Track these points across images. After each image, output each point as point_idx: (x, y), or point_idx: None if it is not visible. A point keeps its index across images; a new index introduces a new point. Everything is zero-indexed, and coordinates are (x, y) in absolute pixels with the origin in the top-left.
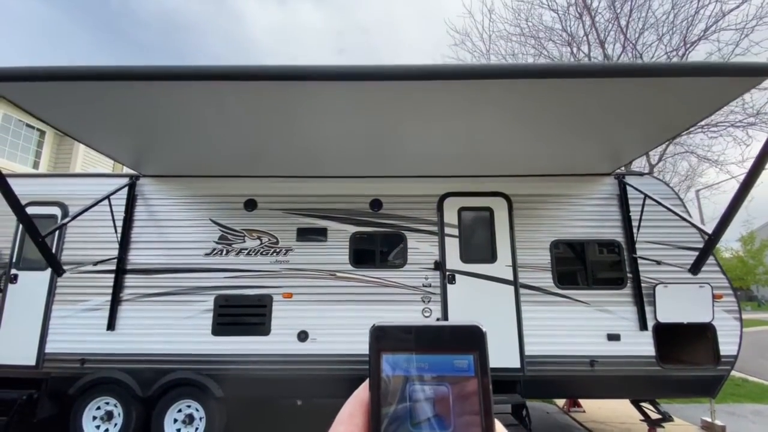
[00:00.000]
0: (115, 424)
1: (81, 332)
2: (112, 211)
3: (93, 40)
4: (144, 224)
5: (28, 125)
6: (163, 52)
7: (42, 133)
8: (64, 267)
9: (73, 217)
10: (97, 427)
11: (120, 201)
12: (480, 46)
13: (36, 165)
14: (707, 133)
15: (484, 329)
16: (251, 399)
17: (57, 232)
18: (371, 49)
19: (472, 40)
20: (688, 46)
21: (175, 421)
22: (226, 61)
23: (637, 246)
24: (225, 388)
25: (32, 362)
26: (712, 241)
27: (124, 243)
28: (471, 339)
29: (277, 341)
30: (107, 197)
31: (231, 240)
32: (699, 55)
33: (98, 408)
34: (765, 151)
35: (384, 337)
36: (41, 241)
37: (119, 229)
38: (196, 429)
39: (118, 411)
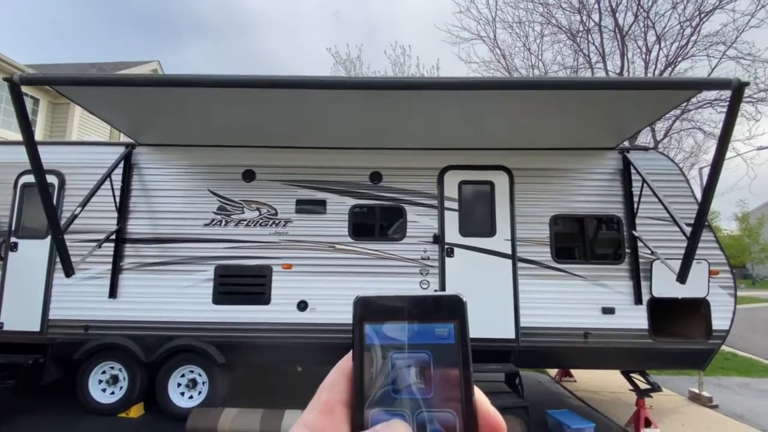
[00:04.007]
0: (121, 387)
1: (83, 299)
2: (112, 186)
3: (79, 2)
4: (141, 194)
5: None
6: (153, 17)
7: (36, 100)
8: (65, 235)
9: (83, 206)
10: (104, 390)
11: (117, 170)
12: (486, 13)
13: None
14: (716, 107)
15: (464, 299)
16: (253, 365)
17: (56, 201)
18: (368, 15)
19: (478, 7)
20: (703, 15)
21: (179, 385)
22: (216, 26)
23: (637, 221)
24: (227, 355)
25: (36, 328)
26: (691, 246)
27: (123, 212)
28: (452, 308)
29: (278, 310)
30: (108, 175)
31: (230, 211)
32: (713, 26)
33: (104, 372)
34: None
35: (367, 308)
36: (61, 239)
37: (117, 199)
38: (200, 392)
39: (123, 375)
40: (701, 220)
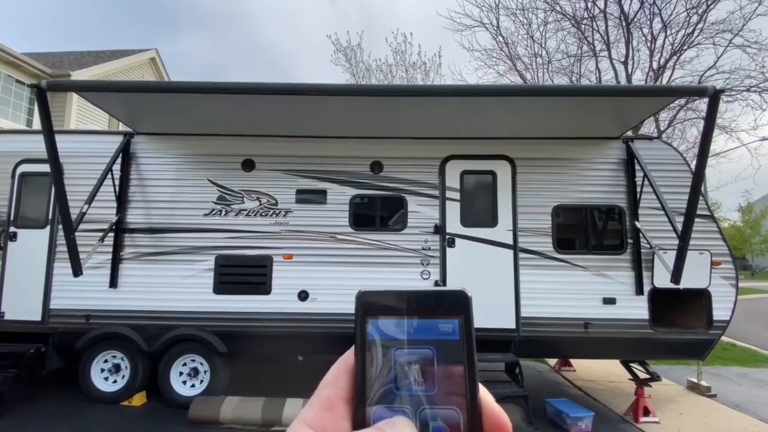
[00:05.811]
0: (123, 376)
1: (84, 289)
2: (112, 175)
3: None
4: (141, 183)
5: (18, 81)
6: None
7: (32, 89)
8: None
9: (89, 202)
10: (106, 378)
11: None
12: None
13: (29, 123)
14: (722, 97)
15: (469, 294)
16: (254, 354)
17: (51, 190)
18: (364, 1)
19: None
20: (710, 2)
21: (181, 374)
22: (215, 12)
23: (640, 212)
24: (228, 344)
25: (38, 318)
26: (682, 247)
27: (122, 202)
28: (456, 303)
29: (278, 300)
30: (110, 167)
31: (230, 201)
32: (720, 14)
33: (105, 361)
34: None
35: (370, 303)
36: (72, 237)
37: (117, 188)
38: (202, 381)
39: (125, 364)
40: (689, 223)
